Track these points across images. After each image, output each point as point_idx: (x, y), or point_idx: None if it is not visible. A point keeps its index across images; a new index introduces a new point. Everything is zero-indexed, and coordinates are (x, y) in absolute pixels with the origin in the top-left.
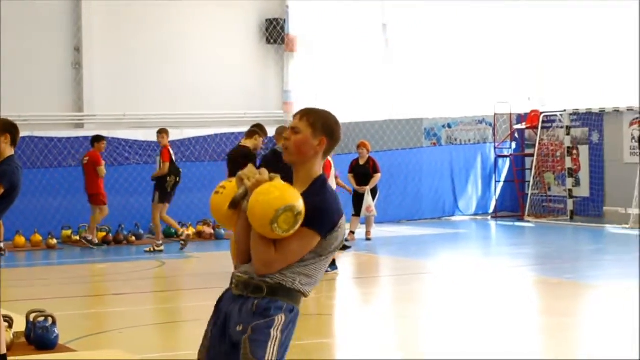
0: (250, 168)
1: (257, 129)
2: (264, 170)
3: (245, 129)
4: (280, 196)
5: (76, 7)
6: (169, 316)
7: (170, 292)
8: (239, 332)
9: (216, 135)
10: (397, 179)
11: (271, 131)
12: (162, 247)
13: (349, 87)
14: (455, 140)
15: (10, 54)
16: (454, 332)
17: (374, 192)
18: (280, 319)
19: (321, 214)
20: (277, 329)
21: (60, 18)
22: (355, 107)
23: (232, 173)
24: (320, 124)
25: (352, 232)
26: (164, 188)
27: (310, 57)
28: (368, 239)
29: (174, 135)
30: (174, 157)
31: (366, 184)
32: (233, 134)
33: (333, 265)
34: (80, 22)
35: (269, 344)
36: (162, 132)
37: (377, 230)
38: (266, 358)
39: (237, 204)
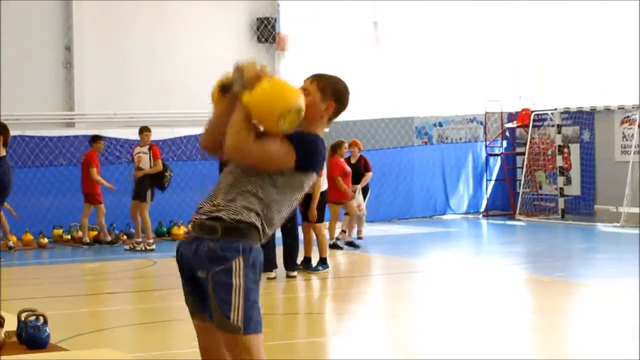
0: (251, 62)
1: None
2: (265, 67)
3: None
4: (295, 96)
5: (67, 6)
6: (161, 315)
7: (161, 291)
8: (203, 279)
9: None
10: (389, 178)
11: None
12: (153, 246)
13: None
14: (447, 138)
15: (1, 53)
16: (445, 331)
17: (365, 190)
18: (238, 264)
19: (310, 147)
20: (238, 275)
21: (50, 17)
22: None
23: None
24: (330, 89)
25: (344, 231)
26: (161, 184)
27: (301, 56)
28: (359, 238)
29: (165, 134)
30: None
31: (357, 182)
32: None
33: (324, 263)
34: (71, 21)
35: (233, 296)
36: (147, 130)
37: (368, 229)
38: (232, 314)
39: (226, 88)
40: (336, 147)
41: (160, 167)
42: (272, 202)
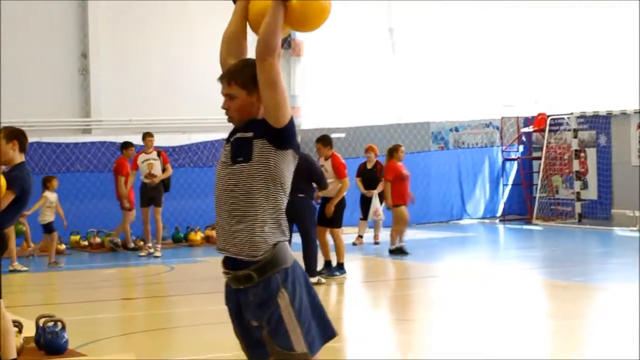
0: None
1: None
2: None
3: None
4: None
5: (82, 14)
6: (178, 320)
7: (179, 297)
8: (256, 327)
9: (223, 139)
10: None
11: None
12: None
13: (356, 91)
14: (463, 143)
15: (18, 60)
16: (462, 335)
17: (381, 196)
18: (283, 296)
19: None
20: (287, 307)
21: (66, 24)
22: (362, 111)
23: None
24: (249, 79)
25: (360, 236)
26: (167, 188)
27: (317, 62)
28: (376, 243)
29: (182, 140)
30: None
31: (374, 187)
32: None
33: (341, 269)
34: (87, 28)
35: (289, 326)
36: (150, 135)
37: (385, 234)
38: (294, 342)
39: None
40: (393, 151)
41: (171, 171)
42: (275, 192)
